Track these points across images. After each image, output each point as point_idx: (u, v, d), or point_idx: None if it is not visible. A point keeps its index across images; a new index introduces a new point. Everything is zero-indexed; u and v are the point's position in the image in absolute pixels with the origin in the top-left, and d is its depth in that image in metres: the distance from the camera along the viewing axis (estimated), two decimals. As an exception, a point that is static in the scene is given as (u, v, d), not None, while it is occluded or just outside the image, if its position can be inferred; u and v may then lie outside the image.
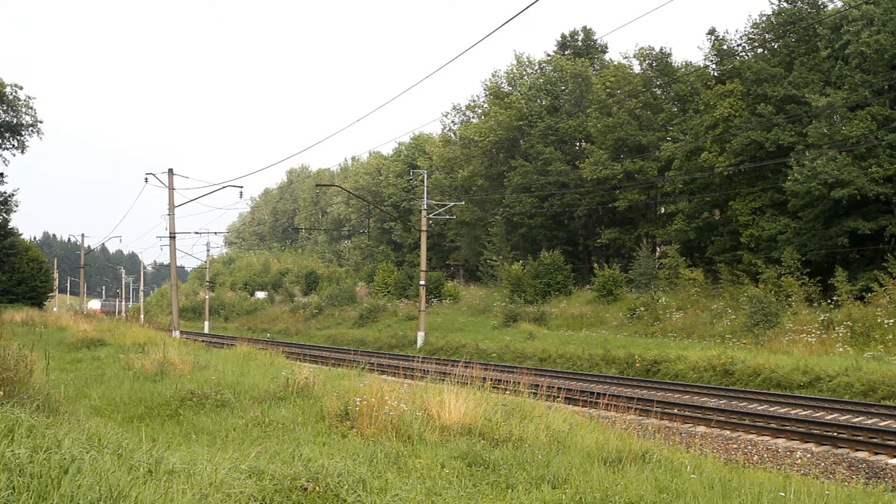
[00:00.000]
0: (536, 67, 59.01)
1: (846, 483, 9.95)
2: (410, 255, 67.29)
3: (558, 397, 14.15)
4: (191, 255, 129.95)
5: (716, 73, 41.22)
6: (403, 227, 68.08)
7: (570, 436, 9.62)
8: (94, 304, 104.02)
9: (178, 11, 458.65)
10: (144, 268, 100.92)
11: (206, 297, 68.80)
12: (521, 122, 54.38)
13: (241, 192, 49.72)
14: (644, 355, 26.41)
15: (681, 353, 25.75)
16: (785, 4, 37.25)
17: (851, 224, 30.93)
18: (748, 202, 36.27)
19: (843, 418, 15.77)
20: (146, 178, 34.28)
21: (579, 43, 60.20)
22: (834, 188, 29.95)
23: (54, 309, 59.43)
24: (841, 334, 25.61)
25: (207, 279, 72.27)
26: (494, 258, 53.13)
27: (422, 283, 39.56)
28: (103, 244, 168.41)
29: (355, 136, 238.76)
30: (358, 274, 76.26)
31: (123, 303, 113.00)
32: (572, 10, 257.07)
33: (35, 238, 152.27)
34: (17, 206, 51.12)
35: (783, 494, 6.99)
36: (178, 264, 39.31)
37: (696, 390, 20.79)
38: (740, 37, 39.71)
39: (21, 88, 47.76)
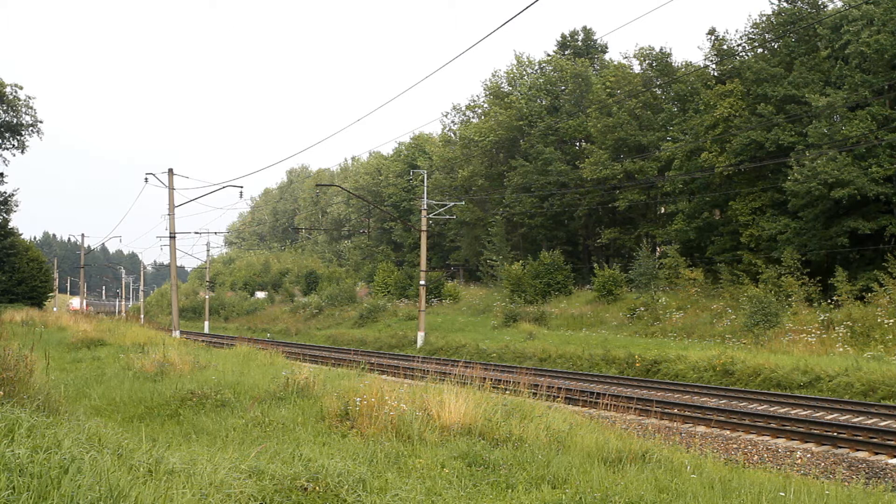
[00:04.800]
0: (536, 67, 59.03)
1: (846, 483, 9.94)
2: (410, 255, 67.28)
3: (558, 397, 14.14)
4: (191, 255, 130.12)
5: (716, 73, 41.22)
6: (403, 227, 68.08)
7: (570, 436, 9.61)
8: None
9: (177, 11, 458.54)
10: (144, 268, 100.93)
11: (206, 297, 68.79)
12: (521, 122, 54.38)
13: (241, 192, 49.75)
14: (644, 355, 26.40)
15: (681, 353, 25.74)
16: (785, 4, 37.25)
17: (851, 224, 30.94)
18: (748, 202, 36.27)
19: (843, 418, 15.77)
20: (146, 178, 34.33)
21: (579, 43, 60.21)
22: (834, 188, 29.95)
23: (54, 309, 59.45)
24: (841, 334, 25.61)
25: (207, 279, 72.26)
26: (494, 258, 53.13)
27: (422, 283, 39.56)
28: (103, 244, 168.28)
29: (355, 136, 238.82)
30: (358, 274, 76.26)
31: (123, 302, 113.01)
32: (572, 10, 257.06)
33: (35, 238, 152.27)
34: (17, 206, 51.33)
35: (783, 494, 7.00)
36: (178, 264, 39.32)
37: (696, 390, 20.79)
38: (740, 37, 39.75)
39: (21, 88, 47.89)
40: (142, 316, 70.61)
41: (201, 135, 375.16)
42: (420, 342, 37.99)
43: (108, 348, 21.38)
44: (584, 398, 17.18)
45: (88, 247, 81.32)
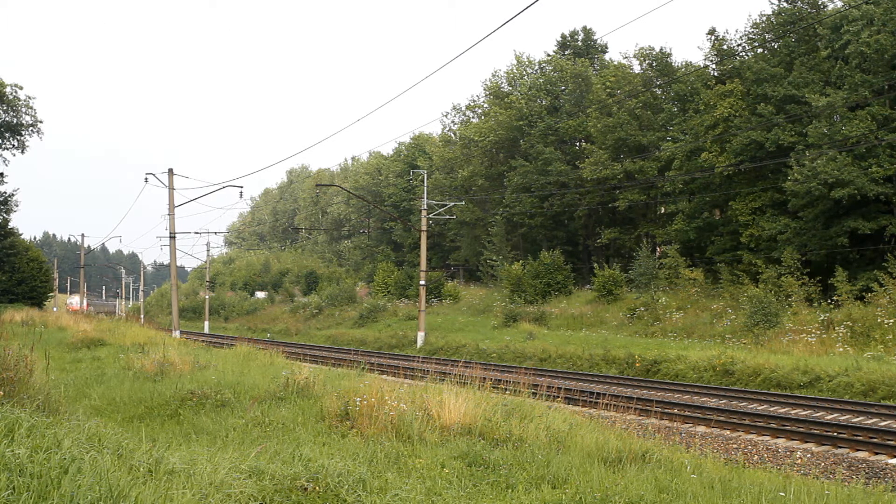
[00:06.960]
0: (536, 67, 59.03)
1: (846, 483, 9.94)
2: (410, 255, 67.29)
3: (558, 397, 14.13)
4: (191, 255, 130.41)
5: (716, 73, 41.23)
6: (403, 227, 68.07)
7: (570, 436, 9.61)
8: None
9: (177, 11, 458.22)
10: (144, 268, 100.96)
11: (206, 297, 68.80)
12: (521, 122, 54.38)
13: (241, 192, 49.80)
14: (644, 355, 26.40)
15: (681, 353, 25.74)
16: (785, 4, 37.27)
17: (851, 224, 30.94)
18: (748, 202, 36.28)
19: (843, 418, 15.77)
20: (146, 178, 34.36)
21: (579, 43, 60.20)
22: (834, 188, 29.95)
23: (54, 309, 59.44)
24: (841, 334, 25.61)
25: (207, 279, 72.27)
26: (494, 258, 53.14)
27: (422, 283, 39.56)
28: (103, 244, 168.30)
29: (355, 136, 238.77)
30: (358, 274, 76.28)
31: (123, 302, 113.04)
32: (572, 10, 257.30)
33: (35, 238, 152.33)
34: (17, 206, 51.28)
35: (783, 494, 7.00)
36: (178, 264, 39.32)
37: (696, 390, 20.79)
38: (740, 37, 39.80)
39: (21, 88, 47.85)
40: (142, 316, 70.61)
41: (201, 135, 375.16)
42: (420, 342, 37.99)
43: (108, 348, 21.38)
44: (584, 398, 17.17)
45: (88, 247, 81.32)
